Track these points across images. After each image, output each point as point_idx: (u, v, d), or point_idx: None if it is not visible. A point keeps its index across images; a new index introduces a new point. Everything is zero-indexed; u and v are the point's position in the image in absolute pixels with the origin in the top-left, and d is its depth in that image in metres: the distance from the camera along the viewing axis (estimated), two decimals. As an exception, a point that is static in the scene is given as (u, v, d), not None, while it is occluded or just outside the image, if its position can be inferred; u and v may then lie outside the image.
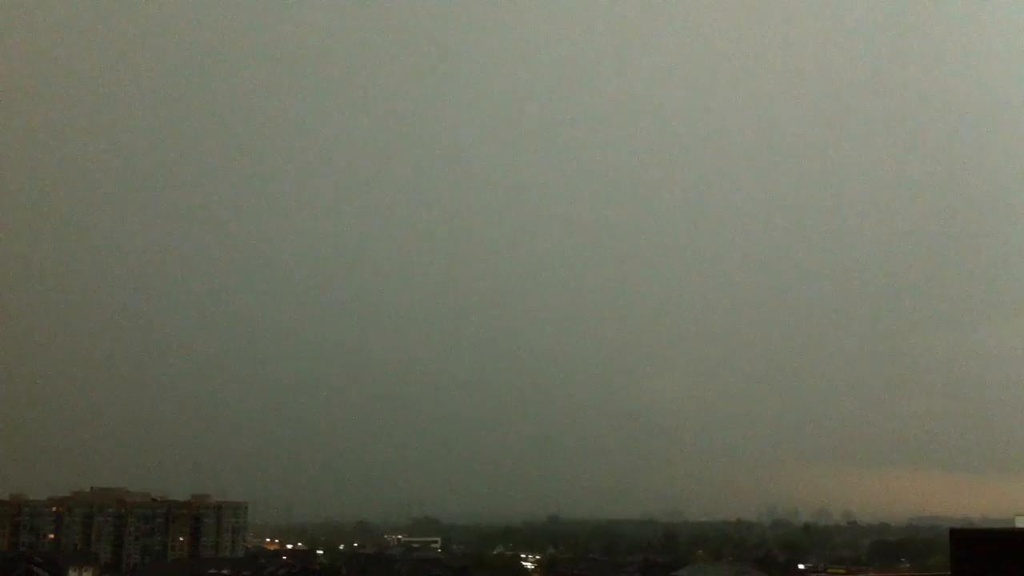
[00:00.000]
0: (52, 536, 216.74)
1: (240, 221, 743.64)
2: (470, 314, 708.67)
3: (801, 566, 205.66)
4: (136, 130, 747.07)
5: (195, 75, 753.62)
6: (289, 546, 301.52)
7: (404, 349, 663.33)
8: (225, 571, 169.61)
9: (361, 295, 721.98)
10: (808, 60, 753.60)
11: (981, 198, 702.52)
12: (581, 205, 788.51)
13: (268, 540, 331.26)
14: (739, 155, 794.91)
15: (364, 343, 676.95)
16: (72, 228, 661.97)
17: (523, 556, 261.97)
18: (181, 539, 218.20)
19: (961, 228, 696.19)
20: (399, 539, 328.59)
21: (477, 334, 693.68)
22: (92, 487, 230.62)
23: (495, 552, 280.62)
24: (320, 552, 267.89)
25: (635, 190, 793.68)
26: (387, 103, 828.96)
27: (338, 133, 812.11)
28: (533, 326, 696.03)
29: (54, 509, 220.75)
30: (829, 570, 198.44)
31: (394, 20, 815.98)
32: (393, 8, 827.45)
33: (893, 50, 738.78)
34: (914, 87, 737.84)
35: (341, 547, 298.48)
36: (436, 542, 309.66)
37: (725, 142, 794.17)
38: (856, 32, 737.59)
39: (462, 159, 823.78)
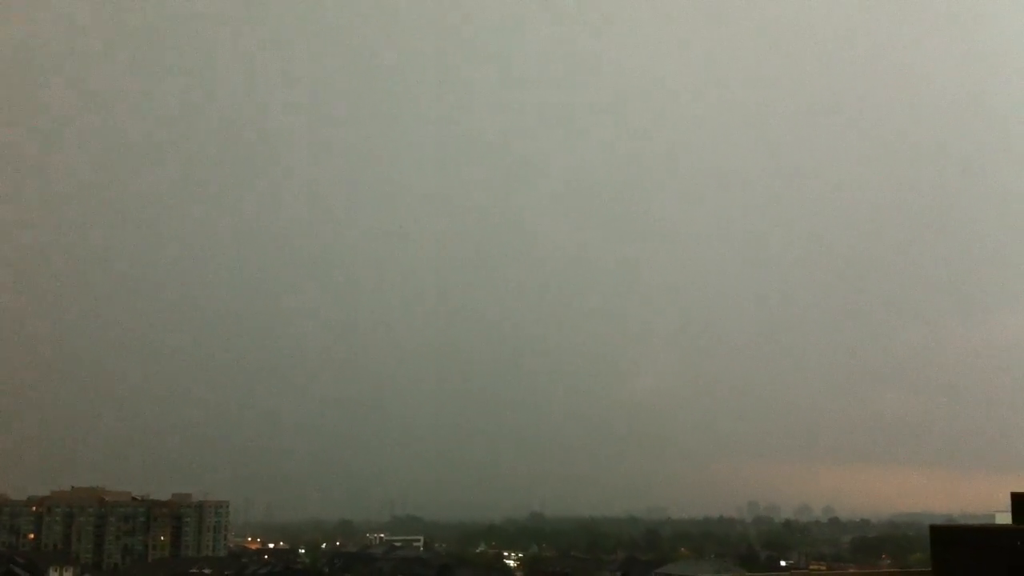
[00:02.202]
0: (32, 536, 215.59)
1: (222, 220, 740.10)
2: (451, 314, 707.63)
3: (783, 562, 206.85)
4: (132, 125, 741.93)
5: (186, 74, 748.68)
6: (271, 545, 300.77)
7: (385, 348, 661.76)
8: (207, 570, 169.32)
9: (341, 295, 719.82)
10: (795, 57, 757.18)
11: (962, 195, 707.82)
12: (565, 205, 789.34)
13: (250, 539, 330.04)
14: (722, 155, 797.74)
15: (345, 342, 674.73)
16: (57, 227, 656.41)
17: (506, 554, 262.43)
18: (162, 538, 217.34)
19: (940, 225, 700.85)
20: (381, 537, 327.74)
21: (458, 333, 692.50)
22: (72, 486, 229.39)
23: (478, 550, 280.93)
24: (302, 551, 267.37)
25: (618, 189, 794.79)
26: (385, 107, 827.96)
27: (336, 136, 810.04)
28: (514, 325, 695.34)
29: (34, 509, 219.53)
30: (811, 566, 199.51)
31: (381, 18, 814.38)
32: (382, 7, 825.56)
33: (879, 43, 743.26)
34: (899, 82, 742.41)
35: (323, 546, 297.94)
36: (419, 540, 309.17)
37: (709, 141, 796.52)
38: (847, 28, 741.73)
39: (450, 160, 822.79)
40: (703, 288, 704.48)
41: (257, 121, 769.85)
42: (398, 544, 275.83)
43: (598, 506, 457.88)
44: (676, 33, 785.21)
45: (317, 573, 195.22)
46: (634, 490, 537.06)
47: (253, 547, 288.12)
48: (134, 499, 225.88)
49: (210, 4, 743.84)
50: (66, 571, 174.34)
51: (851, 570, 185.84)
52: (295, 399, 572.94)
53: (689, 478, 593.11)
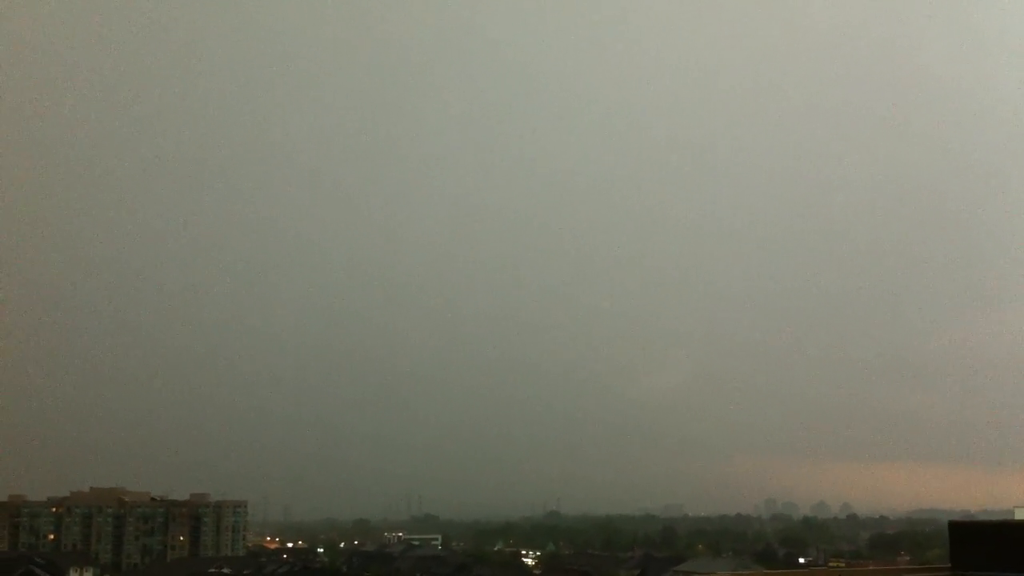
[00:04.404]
0: (52, 537, 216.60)
1: (234, 222, 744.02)
2: (467, 311, 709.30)
3: (801, 559, 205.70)
4: (132, 127, 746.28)
5: (187, 76, 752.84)
6: (289, 544, 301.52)
7: (402, 347, 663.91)
8: (226, 570, 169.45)
9: (357, 294, 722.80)
10: (797, 52, 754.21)
11: (974, 191, 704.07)
12: (576, 203, 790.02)
13: (268, 539, 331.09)
14: (731, 151, 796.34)
15: (362, 341, 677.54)
16: (68, 227, 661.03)
17: (523, 552, 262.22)
18: (181, 538, 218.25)
19: (955, 222, 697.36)
20: (399, 537, 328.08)
21: (474, 332, 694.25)
22: (91, 487, 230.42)
23: (495, 549, 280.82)
24: (321, 550, 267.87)
25: (629, 188, 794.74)
26: (382, 107, 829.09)
27: (334, 136, 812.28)
28: (530, 323, 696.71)
29: (53, 510, 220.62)
30: (830, 563, 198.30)
31: (375, 22, 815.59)
32: (376, 10, 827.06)
33: (884, 38, 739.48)
34: (905, 78, 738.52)
35: (342, 545, 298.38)
36: (437, 539, 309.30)
37: (717, 138, 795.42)
38: (849, 23, 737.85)
39: (453, 159, 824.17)
40: (719, 287, 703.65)
41: (266, 122, 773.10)
42: (416, 543, 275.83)
43: (614, 504, 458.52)
44: (690, 31, 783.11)
45: (336, 572, 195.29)
46: (650, 488, 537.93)
47: (272, 546, 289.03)
48: (153, 499, 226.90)
49: (202, 5, 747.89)
50: (86, 571, 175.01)
51: (870, 567, 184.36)
52: (312, 400, 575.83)
53: (705, 476, 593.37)
